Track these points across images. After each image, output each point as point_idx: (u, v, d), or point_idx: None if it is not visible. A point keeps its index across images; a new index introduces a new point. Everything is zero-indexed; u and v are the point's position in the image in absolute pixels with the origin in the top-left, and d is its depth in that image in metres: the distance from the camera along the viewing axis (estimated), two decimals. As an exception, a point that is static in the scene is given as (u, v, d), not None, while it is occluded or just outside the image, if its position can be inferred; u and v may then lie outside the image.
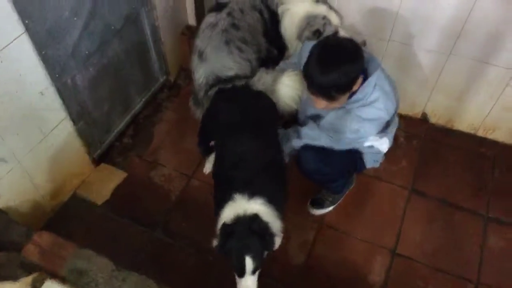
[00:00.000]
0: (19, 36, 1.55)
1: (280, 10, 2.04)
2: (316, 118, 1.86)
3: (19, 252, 1.59)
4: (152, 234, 2.07)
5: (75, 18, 1.81)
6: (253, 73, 1.99)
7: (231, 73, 1.95)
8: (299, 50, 1.97)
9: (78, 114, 2.04)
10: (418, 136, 2.48)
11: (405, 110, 2.47)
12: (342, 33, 1.99)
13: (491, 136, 2.43)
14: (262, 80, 1.96)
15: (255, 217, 1.47)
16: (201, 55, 1.98)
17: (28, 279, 1.44)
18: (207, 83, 1.99)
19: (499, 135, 2.41)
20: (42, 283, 1.44)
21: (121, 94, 2.35)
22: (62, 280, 1.50)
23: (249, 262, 1.42)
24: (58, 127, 1.92)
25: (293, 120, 2.05)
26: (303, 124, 1.93)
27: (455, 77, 2.23)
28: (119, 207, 2.16)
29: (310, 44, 1.70)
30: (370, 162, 1.96)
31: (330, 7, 2.01)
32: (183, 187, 2.26)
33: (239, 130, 1.72)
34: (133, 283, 1.51)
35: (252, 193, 1.51)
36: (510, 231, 2.11)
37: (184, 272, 1.94)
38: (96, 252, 1.59)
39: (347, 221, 2.14)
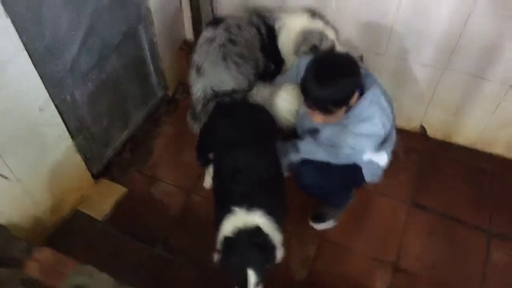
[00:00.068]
0: (18, 52, 1.56)
1: (277, 25, 2.06)
2: (314, 132, 1.86)
3: (19, 268, 1.58)
4: (152, 250, 2.06)
5: (73, 33, 1.81)
6: (250, 87, 2.00)
7: (228, 87, 1.97)
8: (296, 64, 1.98)
9: (77, 130, 2.05)
10: (417, 150, 2.47)
11: (402, 124, 2.47)
12: (339, 48, 2.01)
13: (489, 150, 2.42)
14: (259, 94, 1.97)
15: (256, 230, 1.47)
16: (198, 69, 2.00)
17: (28, 295, 1.42)
18: (205, 97, 2.00)
19: (497, 149, 2.41)
20: (42, 299, 1.43)
21: (120, 109, 2.36)
22: (63, 296, 1.49)
23: (251, 275, 1.41)
24: (57, 142, 1.92)
25: (292, 133, 2.05)
26: (301, 138, 1.93)
27: (451, 91, 2.24)
28: (120, 223, 2.16)
29: (307, 58, 1.72)
30: (370, 176, 1.96)
31: (327, 22, 2.04)
32: (183, 202, 2.25)
33: (237, 143, 1.72)
34: (134, 299, 1.49)
35: (250, 206, 1.51)
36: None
37: (184, 288, 1.92)
38: (97, 268, 1.57)
39: (348, 236, 2.12)
